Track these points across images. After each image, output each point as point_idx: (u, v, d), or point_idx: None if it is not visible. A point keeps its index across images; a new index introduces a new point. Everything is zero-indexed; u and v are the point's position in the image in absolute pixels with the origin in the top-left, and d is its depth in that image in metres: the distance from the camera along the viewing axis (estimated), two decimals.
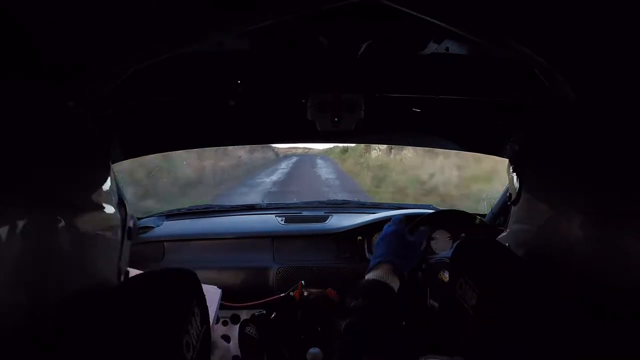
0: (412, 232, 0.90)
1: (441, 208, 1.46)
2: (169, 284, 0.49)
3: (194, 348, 0.45)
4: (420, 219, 0.96)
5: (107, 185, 0.52)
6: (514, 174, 0.69)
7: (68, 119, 0.48)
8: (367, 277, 0.77)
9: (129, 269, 0.60)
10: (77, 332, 0.40)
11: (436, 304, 1.06)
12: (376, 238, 1.39)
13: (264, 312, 1.21)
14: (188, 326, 0.45)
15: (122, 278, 0.57)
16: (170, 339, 0.42)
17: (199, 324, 0.48)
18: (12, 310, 0.35)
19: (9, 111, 0.37)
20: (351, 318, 0.70)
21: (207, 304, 0.53)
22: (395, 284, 0.75)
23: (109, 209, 0.51)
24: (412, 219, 1.00)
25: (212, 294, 1.01)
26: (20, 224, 0.35)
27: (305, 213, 1.51)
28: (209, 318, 0.52)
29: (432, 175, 8.02)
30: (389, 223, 0.90)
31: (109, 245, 0.53)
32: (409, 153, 9.76)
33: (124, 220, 0.56)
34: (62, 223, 0.40)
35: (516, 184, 0.67)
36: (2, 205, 0.33)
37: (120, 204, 0.56)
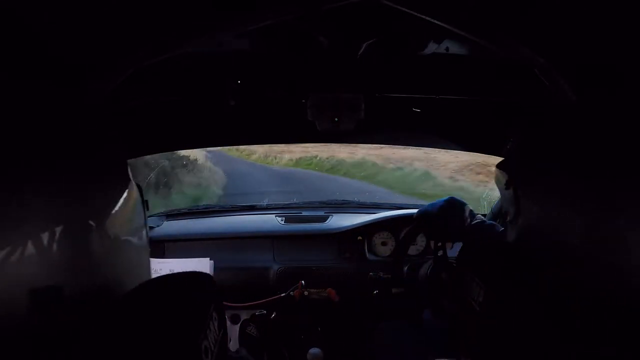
0: None
1: None
2: (188, 288, 0.49)
3: (212, 353, 0.44)
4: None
5: (130, 185, 0.52)
6: (510, 190, 0.67)
7: (77, 118, 0.49)
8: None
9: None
10: (97, 334, 0.40)
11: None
12: (376, 238, 1.40)
13: (264, 312, 1.21)
14: (207, 331, 0.44)
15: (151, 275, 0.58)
16: (189, 343, 0.42)
17: (216, 328, 0.47)
18: (41, 310, 0.36)
19: (26, 114, 0.38)
20: None
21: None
22: None
23: (135, 209, 0.52)
24: None
25: (202, 265, 1.03)
26: (54, 228, 0.35)
27: (305, 213, 1.51)
28: (226, 323, 0.51)
29: None
30: None
31: (140, 246, 0.53)
32: None
33: (146, 218, 0.57)
34: (94, 226, 0.41)
35: (513, 200, 0.67)
36: (32, 210, 0.34)
37: (144, 204, 0.56)
